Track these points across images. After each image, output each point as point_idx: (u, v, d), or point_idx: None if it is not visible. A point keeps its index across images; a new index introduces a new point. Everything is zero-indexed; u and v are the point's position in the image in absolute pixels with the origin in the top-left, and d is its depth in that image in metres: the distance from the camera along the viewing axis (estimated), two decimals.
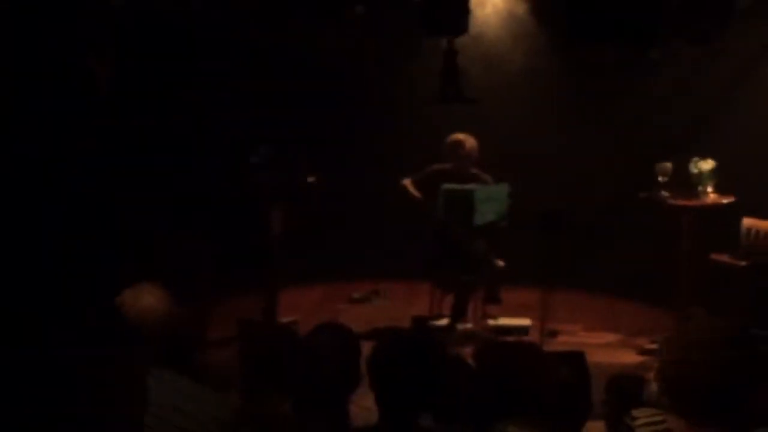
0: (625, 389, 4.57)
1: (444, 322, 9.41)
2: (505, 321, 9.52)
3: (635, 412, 3.76)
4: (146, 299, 3.93)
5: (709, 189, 9.09)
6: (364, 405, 4.30)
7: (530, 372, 3.87)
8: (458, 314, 9.28)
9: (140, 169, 9.41)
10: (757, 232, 9.22)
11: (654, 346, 8.47)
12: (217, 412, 3.84)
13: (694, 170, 9.11)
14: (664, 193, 9.11)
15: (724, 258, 9.18)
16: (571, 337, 9.31)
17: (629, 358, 8.62)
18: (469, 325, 9.27)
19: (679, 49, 9.34)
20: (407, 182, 9.54)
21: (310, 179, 9.21)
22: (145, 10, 9.29)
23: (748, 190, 9.50)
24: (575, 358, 6.23)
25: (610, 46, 8.36)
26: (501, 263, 9.37)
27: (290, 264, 9.53)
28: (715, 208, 9.13)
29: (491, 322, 9.49)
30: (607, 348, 9.09)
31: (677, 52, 9.66)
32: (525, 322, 9.45)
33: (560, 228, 8.63)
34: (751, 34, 9.80)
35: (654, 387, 4.34)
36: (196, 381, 3.94)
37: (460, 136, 9.44)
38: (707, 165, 9.06)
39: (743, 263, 9.02)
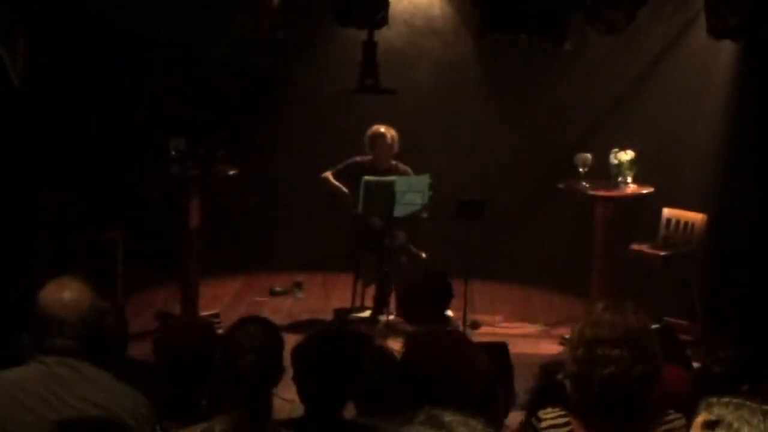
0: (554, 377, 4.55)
1: (366, 314, 9.38)
2: None
3: (541, 413, 3.74)
4: (69, 292, 3.84)
5: (629, 179, 9.15)
6: (287, 397, 4.25)
7: (458, 361, 3.84)
8: (380, 306, 9.24)
9: (55, 163, 9.27)
10: (677, 222, 9.31)
11: None
12: (135, 407, 3.77)
13: (614, 161, 9.17)
14: (584, 184, 9.16)
15: (644, 248, 9.25)
16: (493, 328, 9.31)
17: (550, 348, 8.65)
18: (391, 317, 9.22)
19: (594, 38, 9.41)
20: (328, 174, 9.49)
21: (231, 172, 9.13)
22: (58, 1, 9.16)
23: (667, 180, 9.61)
24: (498, 349, 6.23)
25: (525, 37, 8.37)
26: (422, 254, 9.35)
27: (209, 256, 9.44)
28: (635, 198, 9.21)
29: None
30: (528, 339, 9.12)
31: (593, 42, 9.73)
32: (447, 313, 9.42)
33: (478, 218, 8.63)
34: (662, 24, 9.89)
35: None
36: (114, 374, 3.87)
37: (381, 128, 9.42)
38: (627, 156, 9.12)
39: (663, 253, 9.10)
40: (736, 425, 2.76)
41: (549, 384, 4.46)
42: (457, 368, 3.82)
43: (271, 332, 4.01)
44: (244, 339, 3.89)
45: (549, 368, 4.64)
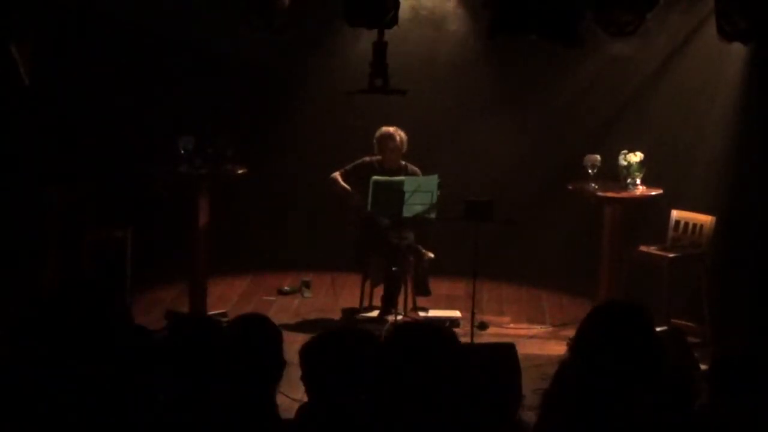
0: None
1: (374, 314, 9.38)
2: (435, 313, 9.50)
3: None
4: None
5: (638, 181, 9.14)
6: (295, 397, 4.26)
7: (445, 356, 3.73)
8: (388, 306, 9.24)
9: (64, 161, 9.29)
10: (686, 224, 9.29)
11: None
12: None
13: (623, 162, 9.15)
14: (593, 185, 9.15)
15: (652, 250, 9.24)
16: (501, 329, 9.30)
17: (558, 349, 8.62)
18: (399, 317, 9.23)
19: (604, 40, 9.40)
20: (336, 175, 9.49)
21: (240, 171, 9.13)
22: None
23: (676, 182, 9.60)
24: (506, 350, 6.23)
25: (536, 38, 8.37)
26: (430, 255, 9.35)
27: (217, 255, 9.45)
28: (643, 200, 9.20)
29: (422, 314, 9.47)
30: (536, 340, 9.11)
31: (602, 44, 9.72)
32: (455, 313, 9.44)
33: (486, 219, 8.63)
34: (672, 26, 9.88)
35: None
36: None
37: (390, 129, 9.42)
38: (636, 157, 9.11)
39: (671, 255, 9.08)
40: None
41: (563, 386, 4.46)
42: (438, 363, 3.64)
43: (267, 329, 4.03)
44: (240, 336, 3.90)
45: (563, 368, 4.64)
